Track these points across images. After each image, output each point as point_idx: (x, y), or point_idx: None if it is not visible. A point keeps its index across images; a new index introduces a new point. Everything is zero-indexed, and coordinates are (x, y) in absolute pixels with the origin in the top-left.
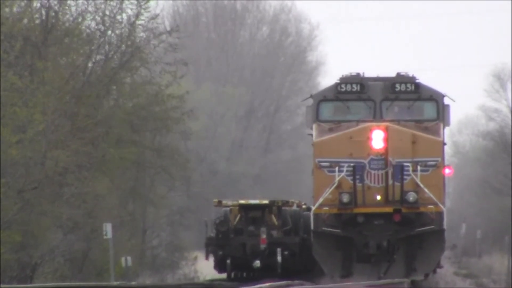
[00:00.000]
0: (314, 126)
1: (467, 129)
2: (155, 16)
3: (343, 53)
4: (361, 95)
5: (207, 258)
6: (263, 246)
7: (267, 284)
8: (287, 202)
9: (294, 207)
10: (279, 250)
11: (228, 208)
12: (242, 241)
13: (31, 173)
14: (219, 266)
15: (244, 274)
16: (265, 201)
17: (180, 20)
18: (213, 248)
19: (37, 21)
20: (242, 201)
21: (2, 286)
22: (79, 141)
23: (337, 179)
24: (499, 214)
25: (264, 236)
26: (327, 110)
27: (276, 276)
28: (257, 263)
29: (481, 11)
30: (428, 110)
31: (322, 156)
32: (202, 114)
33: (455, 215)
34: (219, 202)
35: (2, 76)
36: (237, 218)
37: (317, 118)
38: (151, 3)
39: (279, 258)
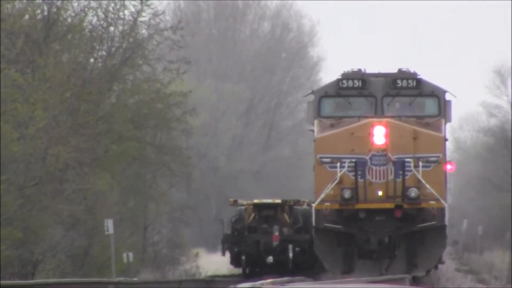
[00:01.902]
0: (316, 122)
1: (468, 125)
2: (159, 13)
3: (344, 49)
4: (363, 91)
5: (223, 254)
6: (275, 243)
7: (268, 280)
8: (298, 201)
9: (305, 206)
10: (290, 246)
11: (243, 207)
12: (256, 238)
13: (32, 169)
14: (235, 262)
15: (257, 270)
16: (278, 201)
17: (182, 17)
18: (229, 245)
19: (39, 17)
20: (256, 201)
21: (2, 282)
22: (80, 137)
23: (338, 175)
24: (500, 211)
25: (276, 234)
26: (328, 106)
27: (287, 271)
28: (270, 259)
29: (482, 7)
30: (430, 106)
31: (324, 152)
32: (203, 111)
33: (457, 211)
34: (235, 201)
35: (4, 73)
36: (252, 217)
37: (318, 114)
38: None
39: (290, 254)
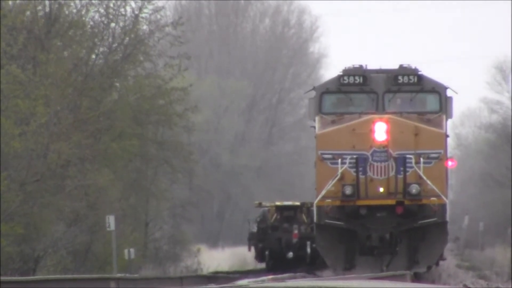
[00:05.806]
0: (317, 118)
1: (469, 121)
2: (160, 9)
3: (345, 45)
4: (364, 87)
5: (249, 249)
6: (295, 240)
7: (269, 277)
8: None
9: None
10: (308, 243)
11: (267, 208)
12: (278, 236)
13: (33, 165)
14: (260, 256)
15: (278, 263)
16: (297, 203)
17: (183, 12)
18: (254, 242)
19: (40, 14)
20: (278, 203)
21: (2, 278)
22: (81, 133)
23: (340, 171)
24: (501, 207)
25: (296, 232)
26: (329, 102)
27: (305, 264)
28: (290, 254)
29: (484, 2)
30: (431, 102)
31: (325, 148)
32: (205, 107)
33: (458, 208)
34: (260, 203)
35: (5, 69)
36: (274, 217)
37: (319, 110)
38: None
39: (308, 250)
